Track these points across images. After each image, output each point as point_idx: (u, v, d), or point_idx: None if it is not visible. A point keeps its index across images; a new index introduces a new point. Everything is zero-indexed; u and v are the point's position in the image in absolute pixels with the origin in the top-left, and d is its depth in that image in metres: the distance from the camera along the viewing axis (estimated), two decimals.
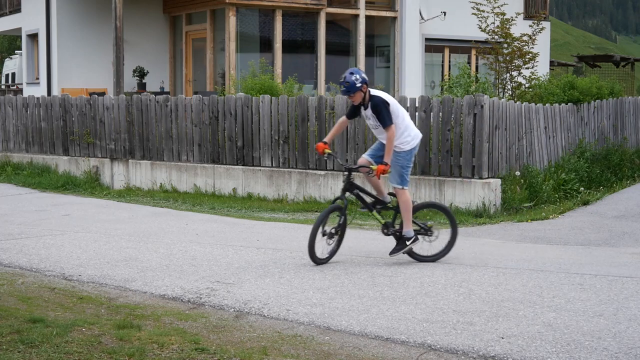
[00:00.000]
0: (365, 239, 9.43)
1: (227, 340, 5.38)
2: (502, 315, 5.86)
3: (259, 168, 13.33)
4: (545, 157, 13.59)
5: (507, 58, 16.00)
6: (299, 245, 8.76)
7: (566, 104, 14.69)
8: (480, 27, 16.44)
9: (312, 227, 7.58)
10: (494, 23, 16.31)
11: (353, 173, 7.92)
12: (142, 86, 19.46)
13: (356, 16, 20.01)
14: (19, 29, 23.00)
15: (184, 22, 20.24)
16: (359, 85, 7.59)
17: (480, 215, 11.09)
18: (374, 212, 7.92)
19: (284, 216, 11.57)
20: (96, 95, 16.03)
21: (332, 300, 6.36)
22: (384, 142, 7.76)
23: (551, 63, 26.53)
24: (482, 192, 11.31)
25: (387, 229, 7.93)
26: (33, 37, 22.07)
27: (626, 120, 16.78)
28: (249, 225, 10.58)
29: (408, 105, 12.08)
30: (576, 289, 6.65)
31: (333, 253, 7.85)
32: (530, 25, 16.57)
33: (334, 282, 7.01)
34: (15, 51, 30.31)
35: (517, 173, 12.11)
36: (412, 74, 20.86)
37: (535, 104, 13.59)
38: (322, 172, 12.68)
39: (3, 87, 27.74)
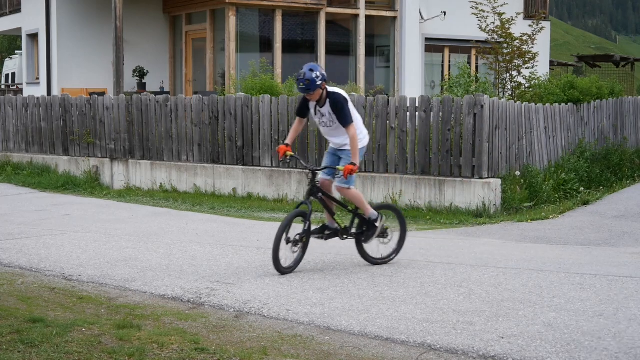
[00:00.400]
0: None
1: (227, 340, 5.38)
2: (502, 315, 5.86)
3: (259, 168, 13.33)
4: (545, 157, 13.59)
5: (507, 58, 16.01)
6: None
7: (566, 104, 14.69)
8: (480, 27, 16.45)
9: (276, 235, 7.08)
10: (494, 23, 16.31)
11: (318, 176, 7.42)
12: (142, 86, 19.47)
13: (356, 16, 20.01)
14: (19, 29, 23.01)
15: (184, 22, 20.25)
16: (319, 82, 7.12)
17: (480, 215, 11.09)
18: (334, 217, 7.55)
19: (283, 216, 11.53)
20: (96, 95, 16.03)
21: (332, 300, 6.35)
22: (336, 145, 7.45)
23: (551, 63, 26.54)
24: (482, 192, 11.31)
25: (345, 233, 7.56)
26: (33, 37, 22.07)
27: (626, 120, 16.78)
28: (249, 225, 10.58)
29: (408, 105, 12.10)
30: (576, 289, 6.65)
31: (298, 261, 7.37)
32: (530, 25, 16.58)
33: (334, 282, 7.00)
34: (15, 51, 30.32)
35: (517, 173, 12.11)
36: (412, 74, 20.87)
37: (535, 104, 13.60)
38: None
39: (3, 87, 27.74)
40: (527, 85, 16.11)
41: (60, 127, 16.05)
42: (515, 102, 13.05)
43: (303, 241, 7.33)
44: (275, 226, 10.35)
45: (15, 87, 25.80)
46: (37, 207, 12.16)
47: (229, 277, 7.22)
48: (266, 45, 19.19)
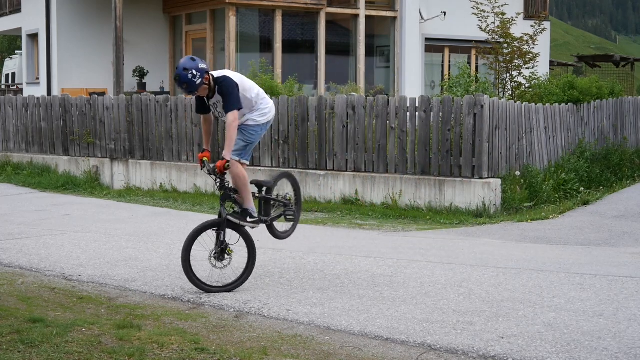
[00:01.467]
0: (365, 239, 9.43)
1: (227, 340, 5.38)
2: (502, 315, 5.86)
3: (259, 168, 13.33)
4: (545, 157, 13.58)
5: (507, 58, 16.01)
6: (299, 245, 8.75)
7: (566, 104, 14.69)
8: (480, 27, 16.46)
9: (183, 248, 6.53)
10: (494, 23, 16.32)
11: (226, 176, 6.70)
12: (142, 86, 19.46)
13: (356, 16, 20.01)
14: (19, 29, 23.00)
15: (184, 22, 20.25)
16: (199, 82, 6.47)
17: (480, 215, 11.09)
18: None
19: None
20: (96, 95, 16.03)
21: (332, 300, 6.35)
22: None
23: (551, 63, 26.54)
24: (482, 192, 11.31)
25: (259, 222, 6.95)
26: (33, 37, 22.07)
27: (626, 120, 16.77)
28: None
29: (408, 105, 12.09)
30: (576, 289, 6.65)
31: (239, 280, 6.73)
32: (531, 26, 16.58)
33: (334, 282, 7.00)
34: (15, 51, 30.32)
35: (517, 173, 12.11)
36: (412, 74, 20.87)
37: (535, 104, 13.60)
38: (322, 172, 12.68)
39: (3, 87, 27.74)
40: (527, 85, 16.10)
41: (60, 127, 16.05)
42: (515, 102, 13.05)
43: (227, 252, 6.71)
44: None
45: (15, 87, 25.80)
46: (37, 207, 12.16)
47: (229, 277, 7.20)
48: (266, 46, 19.19)
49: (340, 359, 5.02)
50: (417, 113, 11.97)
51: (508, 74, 16.13)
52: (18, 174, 15.97)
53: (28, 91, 21.65)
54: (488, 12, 16.35)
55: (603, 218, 11.19)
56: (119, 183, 15.00)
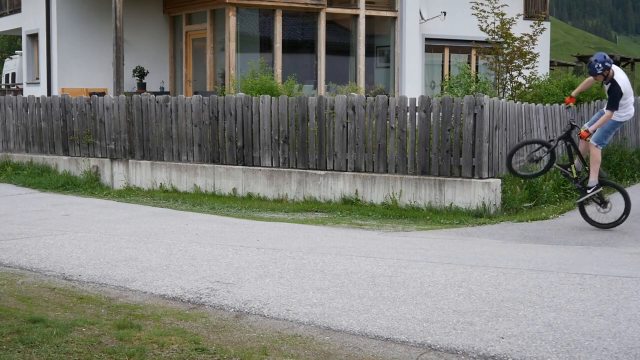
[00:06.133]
0: (365, 239, 9.43)
1: (227, 340, 5.38)
2: (502, 315, 5.86)
3: (259, 168, 13.33)
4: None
5: (507, 58, 16.02)
6: (299, 245, 8.76)
7: None
8: (480, 27, 16.47)
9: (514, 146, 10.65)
10: (494, 23, 16.33)
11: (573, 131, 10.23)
12: (142, 86, 19.47)
13: (356, 16, 20.02)
14: (19, 29, 23.02)
15: (184, 22, 20.26)
16: (599, 71, 9.64)
17: (480, 215, 11.09)
18: (572, 165, 10.27)
19: (284, 216, 11.57)
20: (96, 95, 16.03)
21: (332, 300, 6.35)
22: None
23: (551, 63, 26.56)
24: (482, 192, 11.31)
25: (577, 182, 10.29)
26: (33, 37, 22.08)
27: None
28: (249, 225, 10.58)
29: (408, 105, 12.09)
30: (576, 289, 6.65)
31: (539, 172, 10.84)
32: (531, 26, 16.60)
33: (334, 282, 7.00)
34: (15, 51, 30.34)
35: None
36: (412, 74, 20.87)
37: (535, 104, 13.60)
38: (322, 172, 12.68)
39: (3, 87, 27.75)
40: (527, 86, 16.12)
41: (60, 127, 16.06)
42: (515, 102, 13.05)
43: (540, 161, 10.53)
44: (275, 226, 10.39)
45: (15, 87, 25.81)
46: (37, 207, 12.16)
47: (229, 277, 7.21)
48: (266, 46, 19.20)
49: (340, 359, 5.02)
50: (417, 113, 11.97)
51: (508, 74, 16.14)
52: (18, 174, 15.98)
53: (28, 91, 21.66)
54: (488, 12, 16.36)
55: None
56: (119, 183, 15.00)
